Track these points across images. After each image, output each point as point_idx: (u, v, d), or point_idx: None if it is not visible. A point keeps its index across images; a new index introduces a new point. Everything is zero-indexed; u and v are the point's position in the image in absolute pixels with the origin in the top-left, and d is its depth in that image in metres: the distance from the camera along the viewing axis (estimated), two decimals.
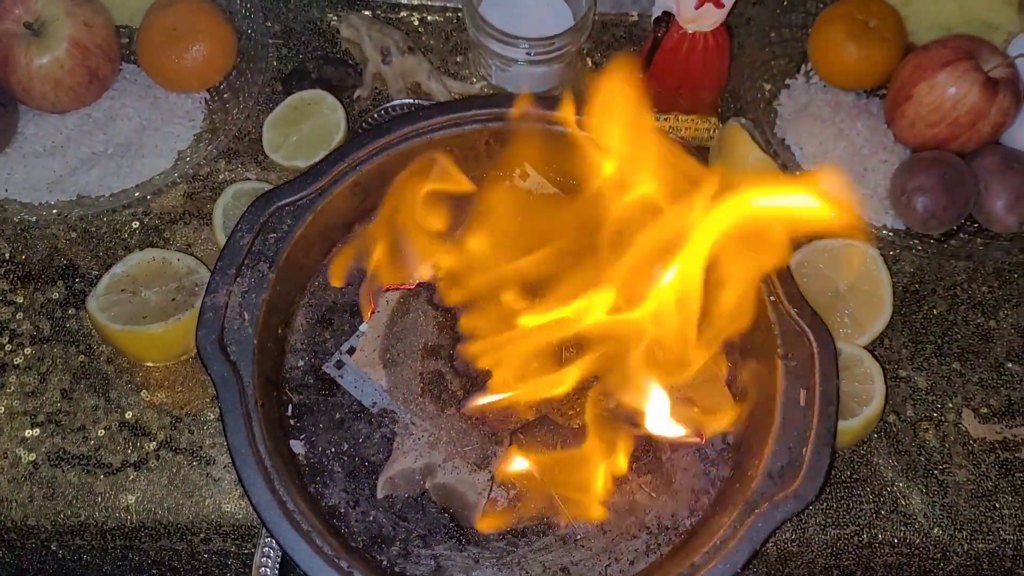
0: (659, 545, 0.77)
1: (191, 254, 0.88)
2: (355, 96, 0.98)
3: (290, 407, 0.80)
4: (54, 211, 0.89)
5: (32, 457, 0.81)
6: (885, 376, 0.83)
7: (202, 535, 0.80)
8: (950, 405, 0.88)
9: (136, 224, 0.91)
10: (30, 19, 0.88)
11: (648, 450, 0.80)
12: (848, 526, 0.83)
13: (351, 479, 0.78)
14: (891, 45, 0.95)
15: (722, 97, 0.99)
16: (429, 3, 1.04)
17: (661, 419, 0.75)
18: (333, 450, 0.79)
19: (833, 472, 0.84)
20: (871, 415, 0.81)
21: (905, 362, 0.90)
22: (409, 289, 0.84)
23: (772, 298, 0.79)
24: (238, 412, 0.73)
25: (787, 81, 1.00)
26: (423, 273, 0.84)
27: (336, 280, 0.84)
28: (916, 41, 0.99)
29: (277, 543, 0.71)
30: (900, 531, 0.83)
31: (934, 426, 0.87)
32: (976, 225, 0.94)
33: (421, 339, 0.82)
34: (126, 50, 0.97)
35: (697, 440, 0.79)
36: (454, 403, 0.79)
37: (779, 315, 0.79)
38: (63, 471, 0.81)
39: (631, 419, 0.77)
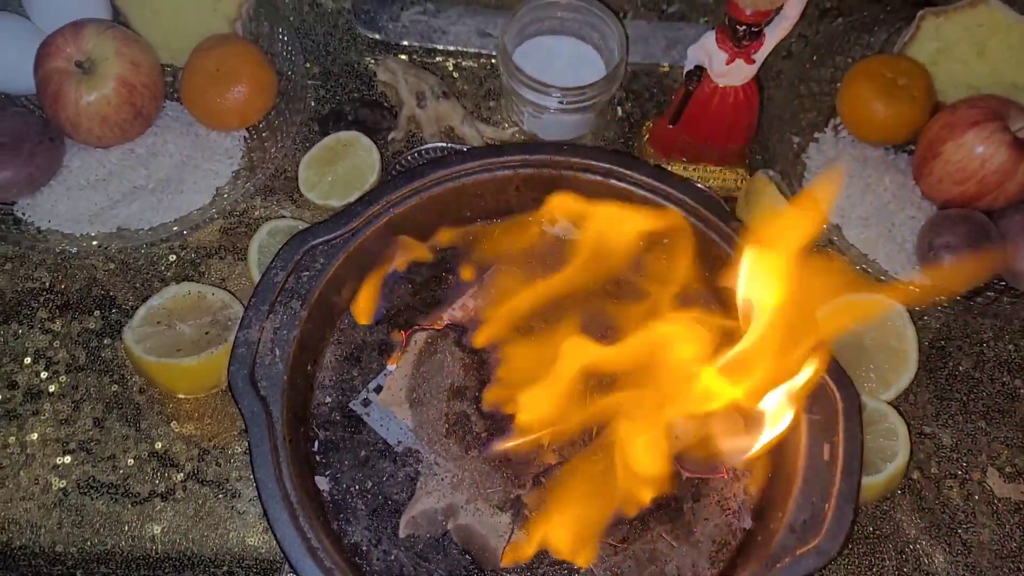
0: None
1: (225, 288, 0.89)
2: (390, 138, 1.00)
3: (316, 443, 0.81)
4: (94, 243, 0.91)
5: (63, 484, 0.83)
6: (910, 432, 0.83)
7: (225, 568, 0.81)
8: (975, 463, 0.88)
9: (173, 258, 0.93)
10: (81, 58, 0.91)
11: (669, 498, 0.80)
12: None
13: (374, 517, 0.79)
14: (919, 103, 0.96)
15: (751, 149, 1.00)
16: (464, 49, 1.06)
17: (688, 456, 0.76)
18: (357, 487, 0.80)
19: (855, 529, 0.84)
20: (895, 471, 0.81)
21: (930, 418, 0.90)
22: (437, 330, 0.85)
23: None
24: (266, 447, 0.74)
25: (815, 135, 1.01)
26: (452, 315, 0.86)
27: (362, 318, 0.85)
28: (944, 100, 0.99)
29: None
30: None
31: (959, 484, 0.87)
32: (1003, 283, 0.94)
33: (447, 380, 0.82)
34: (169, 88, 1.00)
35: (722, 475, 0.79)
36: (478, 445, 0.80)
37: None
38: (92, 499, 0.82)
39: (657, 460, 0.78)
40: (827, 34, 1.06)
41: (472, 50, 1.06)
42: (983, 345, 0.93)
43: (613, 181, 0.87)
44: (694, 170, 0.97)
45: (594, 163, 0.88)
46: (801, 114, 1.02)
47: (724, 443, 0.78)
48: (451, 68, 1.06)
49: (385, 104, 1.02)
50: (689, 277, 0.84)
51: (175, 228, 0.92)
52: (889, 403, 0.86)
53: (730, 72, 0.87)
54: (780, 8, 0.82)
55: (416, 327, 0.85)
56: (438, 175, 0.87)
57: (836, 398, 0.77)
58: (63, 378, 0.87)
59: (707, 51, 0.86)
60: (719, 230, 0.84)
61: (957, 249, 0.90)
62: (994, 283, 0.94)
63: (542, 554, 0.77)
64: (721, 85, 0.89)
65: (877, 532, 0.84)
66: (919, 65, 0.98)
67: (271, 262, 0.80)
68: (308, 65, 1.04)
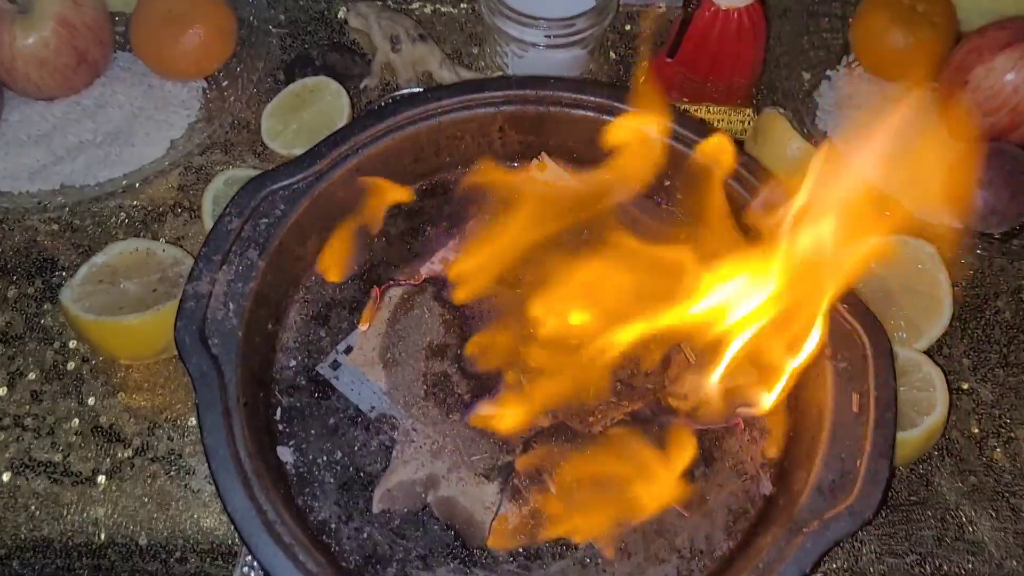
0: (692, 571, 0.68)
1: (180, 247, 0.81)
2: (363, 86, 0.92)
3: (279, 411, 0.72)
4: (35, 200, 0.83)
5: None
6: (948, 381, 0.74)
7: (177, 554, 0.72)
8: (1020, 419, 0.79)
9: (123, 216, 0.85)
10: None
11: None
12: (908, 555, 0.73)
13: (344, 491, 0.70)
14: (941, 31, 0.88)
15: (757, 87, 0.91)
16: None
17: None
18: (325, 459, 0.71)
19: (890, 493, 0.75)
20: (934, 425, 0.72)
21: (967, 373, 0.81)
22: (414, 284, 0.76)
23: None
24: (217, 410, 0.65)
25: (828, 72, 0.93)
26: (431, 268, 0.77)
27: (331, 274, 0.76)
28: (967, 30, 0.91)
29: (255, 558, 0.63)
30: (967, 561, 0.73)
31: (1003, 444, 0.78)
32: None
33: (425, 338, 0.74)
34: (121, 38, 0.92)
35: (737, 423, 0.71)
36: (460, 408, 0.71)
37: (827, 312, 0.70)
38: (27, 480, 0.73)
39: (664, 415, 0.71)
40: None
41: None
42: (1022, 291, 0.84)
43: (607, 117, 0.79)
44: (696, 111, 0.89)
45: (585, 97, 0.79)
46: (811, 51, 0.94)
47: (737, 394, 0.69)
48: (429, 14, 0.98)
49: (357, 50, 0.94)
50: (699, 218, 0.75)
51: (124, 183, 0.84)
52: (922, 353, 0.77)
53: None
54: None
55: (391, 282, 0.77)
56: (412, 113, 0.79)
57: (864, 343, 0.69)
58: None
59: None
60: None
61: (991, 185, 0.81)
62: None
63: (535, 529, 0.68)
64: (723, 7, 0.80)
65: (913, 498, 0.75)
66: None
67: (225, 208, 0.72)
68: (272, 11, 0.96)
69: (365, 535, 0.68)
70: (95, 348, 0.77)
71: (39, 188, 0.84)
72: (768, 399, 0.67)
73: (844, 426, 0.67)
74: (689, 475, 0.71)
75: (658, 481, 0.68)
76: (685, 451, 0.69)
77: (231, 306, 0.70)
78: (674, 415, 0.72)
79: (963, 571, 0.73)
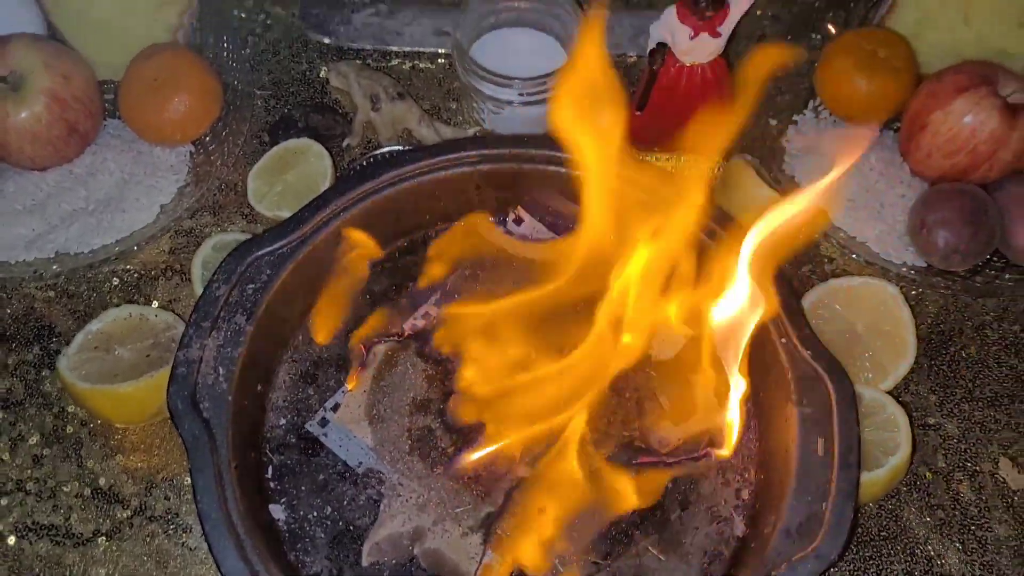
0: None
1: (172, 311, 0.84)
2: (344, 144, 0.94)
3: (270, 469, 0.75)
4: (31, 269, 0.86)
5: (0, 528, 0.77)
6: (912, 422, 0.77)
7: None
8: (985, 454, 0.81)
9: (116, 281, 0.88)
10: (5, 72, 0.86)
11: (655, 507, 0.74)
12: None
13: (335, 546, 0.72)
14: (902, 75, 0.90)
15: None
16: (421, 50, 1.01)
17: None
18: (316, 514, 0.74)
19: (859, 529, 0.78)
20: (898, 464, 0.75)
21: (933, 408, 0.83)
22: (398, 340, 0.79)
23: (784, 340, 0.74)
24: (210, 473, 0.68)
25: (794, 116, 0.96)
26: (413, 324, 0.80)
27: (319, 335, 0.79)
28: (928, 72, 0.94)
29: None
30: None
31: (969, 477, 0.80)
32: (1003, 260, 0.88)
33: (410, 393, 0.77)
34: (110, 106, 0.95)
35: (707, 456, 0.74)
36: (444, 461, 0.74)
37: (792, 359, 0.73)
38: (31, 543, 0.76)
39: (635, 456, 0.74)
40: (802, 11, 1.01)
41: (429, 50, 1.01)
42: (986, 327, 0.87)
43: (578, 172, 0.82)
44: (667, 159, 0.92)
45: (557, 154, 0.82)
46: (778, 96, 0.97)
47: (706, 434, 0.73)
48: (408, 70, 1.01)
49: (339, 110, 0.97)
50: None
51: (117, 249, 0.87)
52: (887, 393, 0.80)
53: (695, 48, 0.81)
54: None
55: (376, 339, 0.79)
56: (391, 176, 0.81)
57: (828, 388, 0.71)
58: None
59: (670, 27, 0.81)
60: None
61: (952, 225, 0.84)
62: (993, 260, 0.88)
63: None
64: (687, 63, 0.83)
65: (883, 533, 0.78)
66: (899, 35, 0.93)
67: (212, 275, 0.75)
68: (256, 75, 0.99)
69: None
70: (92, 414, 0.80)
71: (35, 257, 0.86)
72: (731, 437, 0.70)
73: (810, 470, 0.69)
74: (665, 518, 0.74)
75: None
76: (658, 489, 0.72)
77: (221, 371, 0.72)
78: (648, 457, 0.74)
79: None
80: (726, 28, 0.80)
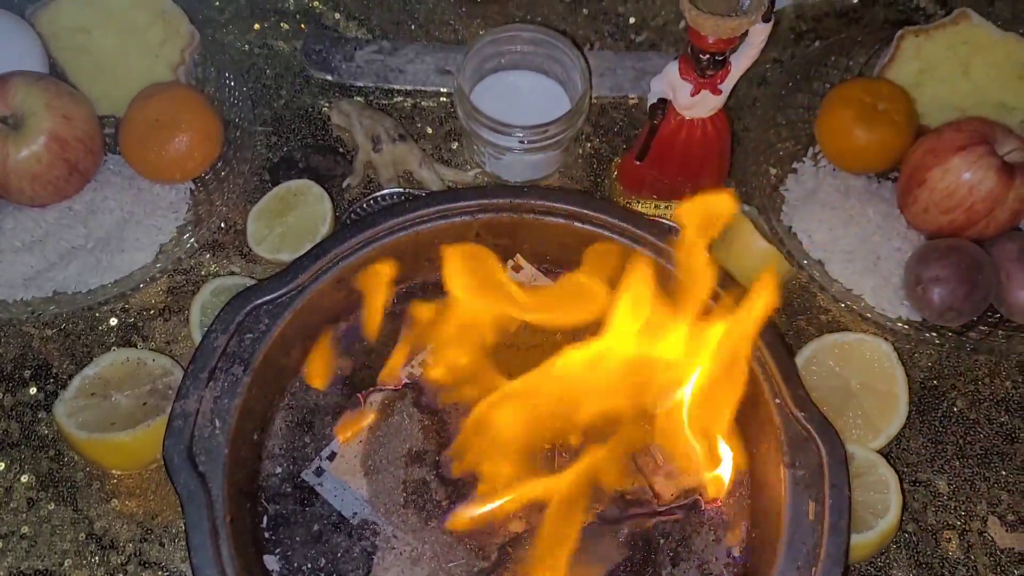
0: None
1: (169, 354, 0.84)
2: (345, 185, 0.95)
3: (265, 518, 0.76)
4: (28, 309, 0.86)
5: None
6: (902, 484, 0.77)
7: None
8: (974, 512, 0.82)
9: (114, 321, 0.88)
10: (7, 113, 0.86)
11: (647, 563, 0.74)
12: None
13: None
14: (901, 128, 0.91)
15: (725, 183, 0.95)
16: (423, 88, 1.01)
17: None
18: (310, 566, 0.74)
19: None
20: (887, 528, 0.75)
21: (924, 465, 0.84)
22: (395, 390, 0.80)
23: (777, 401, 0.74)
24: (204, 528, 0.68)
25: (794, 165, 0.96)
26: (409, 372, 0.81)
27: (316, 382, 0.80)
28: (928, 123, 0.94)
29: None
30: None
31: (957, 535, 0.81)
32: (997, 316, 0.89)
33: (405, 444, 0.77)
34: (111, 140, 0.95)
35: (697, 505, 0.75)
36: (439, 514, 0.74)
37: (784, 419, 0.74)
38: None
39: (627, 508, 0.75)
40: (803, 58, 1.01)
41: (431, 89, 1.01)
42: (978, 383, 0.88)
43: (577, 224, 0.82)
44: (666, 208, 0.92)
45: (556, 205, 0.83)
46: (778, 144, 0.97)
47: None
48: (410, 108, 1.01)
49: (340, 149, 0.97)
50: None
51: (115, 290, 0.87)
52: (879, 451, 0.81)
53: (696, 104, 0.82)
54: (745, 34, 0.77)
55: (372, 388, 0.80)
56: (390, 224, 0.82)
57: (820, 451, 0.72)
58: None
59: (671, 82, 0.81)
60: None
61: (947, 283, 0.84)
62: (988, 316, 0.89)
63: None
64: (688, 117, 0.84)
65: None
66: (899, 88, 0.93)
67: (210, 325, 0.75)
68: (258, 111, 0.99)
69: None
70: (88, 462, 0.80)
71: (33, 295, 0.86)
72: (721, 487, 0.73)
73: (800, 532, 0.70)
74: (657, 574, 0.74)
75: None
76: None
77: (217, 423, 0.73)
78: (639, 509, 0.75)
79: None
80: (727, 85, 0.80)
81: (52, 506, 0.80)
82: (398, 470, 0.76)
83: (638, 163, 0.89)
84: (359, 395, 0.79)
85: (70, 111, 0.87)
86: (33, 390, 0.85)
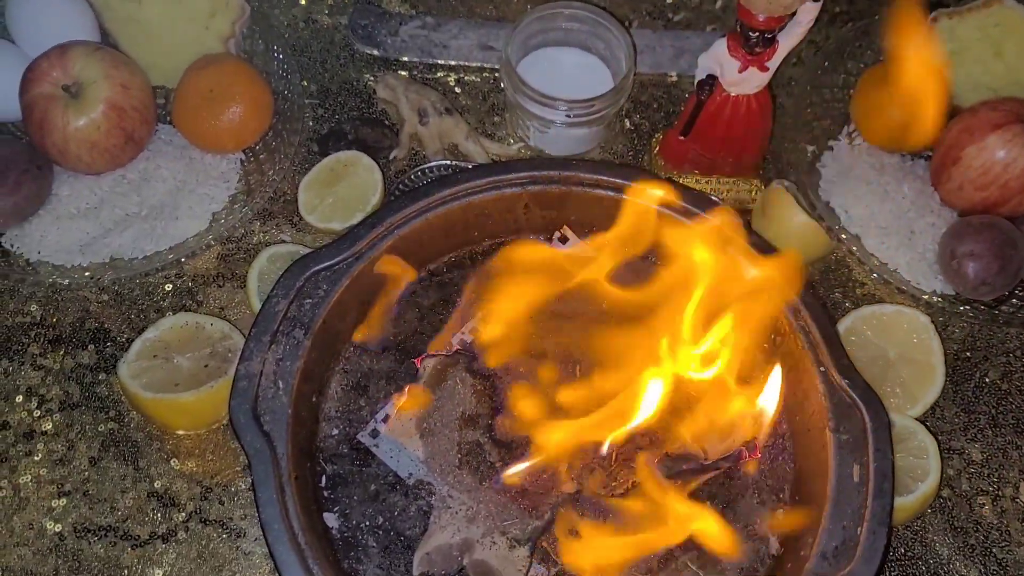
0: None
1: (224, 318, 0.86)
2: (391, 157, 0.96)
3: (324, 478, 0.78)
4: (87, 274, 0.87)
5: (58, 528, 0.79)
6: (940, 449, 0.80)
7: None
8: (1007, 478, 0.85)
9: (169, 287, 0.90)
10: (68, 82, 0.87)
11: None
12: None
13: (386, 554, 0.75)
14: (936, 106, 0.93)
15: (764, 159, 0.97)
16: (466, 63, 1.03)
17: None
18: (368, 523, 0.76)
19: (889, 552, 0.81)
20: (927, 491, 0.78)
21: (958, 433, 0.87)
22: (447, 356, 0.82)
23: (822, 369, 0.77)
24: (271, 486, 0.70)
25: (830, 143, 0.98)
26: (462, 339, 0.83)
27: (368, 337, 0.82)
28: (960, 103, 0.96)
29: None
30: None
31: (991, 500, 0.84)
32: None
33: (459, 408, 0.79)
34: (162, 110, 0.97)
35: (743, 458, 0.76)
36: (493, 475, 0.76)
37: (829, 387, 0.76)
38: (89, 543, 0.78)
39: (677, 465, 0.76)
40: (838, 39, 1.03)
41: (474, 64, 1.03)
42: (1010, 355, 0.90)
43: (623, 196, 0.84)
44: (707, 182, 0.94)
45: (605, 178, 0.85)
46: (815, 122, 0.99)
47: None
48: (453, 83, 1.03)
49: (386, 122, 0.99)
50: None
51: (170, 256, 0.89)
52: (917, 419, 0.83)
53: (743, 81, 0.84)
54: (794, 13, 0.79)
55: (426, 354, 0.82)
56: (443, 194, 0.84)
57: (864, 417, 0.74)
58: (56, 416, 0.84)
59: (718, 59, 0.83)
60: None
61: (981, 257, 0.87)
62: (1019, 291, 0.91)
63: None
64: (733, 94, 0.86)
65: (908, 553, 0.81)
66: (934, 67, 0.95)
67: (272, 290, 0.77)
68: (305, 83, 1.01)
69: None
70: (151, 421, 0.82)
71: (90, 261, 0.88)
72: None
73: (846, 495, 0.72)
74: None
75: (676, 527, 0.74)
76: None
77: (280, 384, 0.75)
78: (688, 466, 0.77)
79: None
80: (774, 63, 0.82)
81: (114, 465, 0.82)
82: (452, 432, 0.78)
83: (682, 138, 0.91)
84: (415, 360, 0.81)
85: (128, 81, 0.88)
86: (92, 353, 0.86)
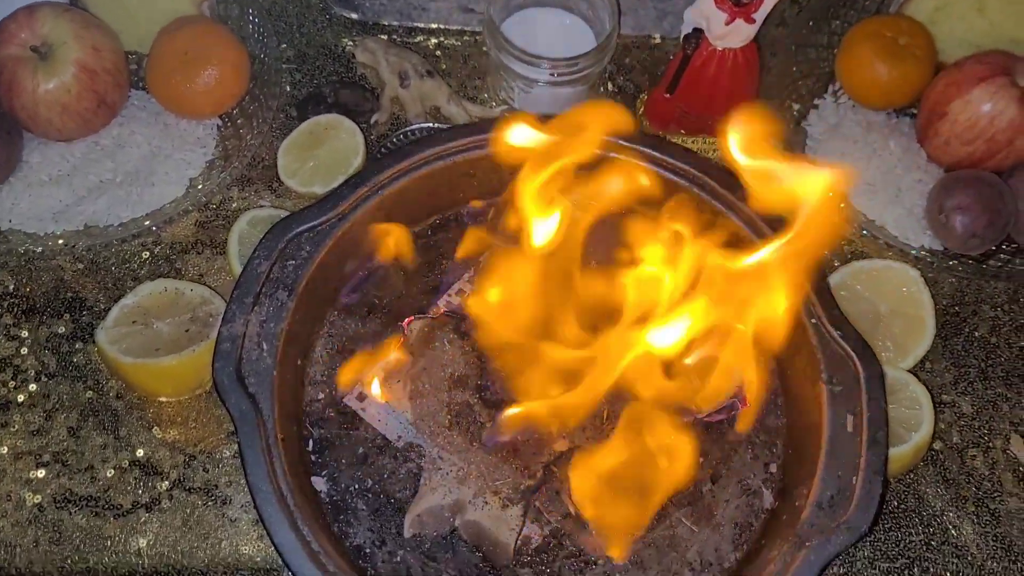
0: None
1: (204, 284, 0.84)
2: (373, 121, 0.95)
3: (310, 442, 0.76)
4: (60, 241, 0.85)
5: (37, 499, 0.77)
6: (932, 400, 0.80)
7: None
8: (997, 430, 0.84)
9: (146, 255, 0.88)
10: (36, 43, 0.85)
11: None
12: (898, 559, 0.79)
13: (376, 517, 0.74)
14: (922, 63, 0.92)
15: None
16: (446, 27, 1.01)
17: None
18: (357, 487, 0.75)
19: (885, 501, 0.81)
20: (921, 441, 0.78)
21: (948, 387, 0.86)
22: (434, 318, 0.80)
23: (814, 321, 0.76)
24: (258, 448, 0.69)
25: (815, 101, 0.98)
26: (449, 302, 0.81)
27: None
28: (944, 60, 0.96)
29: None
30: (952, 564, 0.79)
31: (982, 452, 0.84)
32: (1015, 245, 0.91)
33: (447, 369, 0.78)
34: (135, 76, 0.94)
35: (735, 409, 0.76)
36: (483, 435, 0.75)
37: (821, 339, 0.76)
38: (70, 513, 0.76)
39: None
40: None
41: (455, 27, 1.01)
42: (998, 309, 0.90)
43: (611, 154, 0.83)
44: (692, 143, 0.93)
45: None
46: (800, 81, 0.99)
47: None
48: (433, 47, 1.01)
49: (366, 86, 0.97)
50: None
51: (147, 223, 0.87)
52: (908, 371, 0.83)
53: (729, 33, 0.83)
54: None
55: (412, 316, 0.80)
56: (428, 154, 0.82)
57: (857, 367, 0.74)
58: (32, 387, 0.81)
59: (705, 12, 0.82)
60: (726, 200, 0.80)
61: (970, 210, 0.86)
62: (1006, 245, 0.91)
63: (556, 547, 0.73)
64: (720, 48, 0.85)
65: (902, 506, 0.81)
66: (919, 23, 0.94)
67: (254, 251, 0.75)
68: (283, 48, 0.99)
69: (399, 559, 0.73)
70: (133, 388, 0.80)
71: (64, 229, 0.86)
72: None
73: (840, 445, 0.72)
74: (697, 491, 0.76)
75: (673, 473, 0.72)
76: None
77: (265, 346, 0.73)
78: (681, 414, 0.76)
79: (949, 573, 0.79)
80: (761, 14, 0.82)
81: (94, 435, 0.80)
82: (441, 394, 0.77)
83: (668, 96, 0.90)
84: (403, 323, 0.80)
85: (99, 42, 0.86)
86: (68, 323, 0.84)
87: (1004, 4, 0.96)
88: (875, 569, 0.79)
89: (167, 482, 0.78)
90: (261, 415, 0.70)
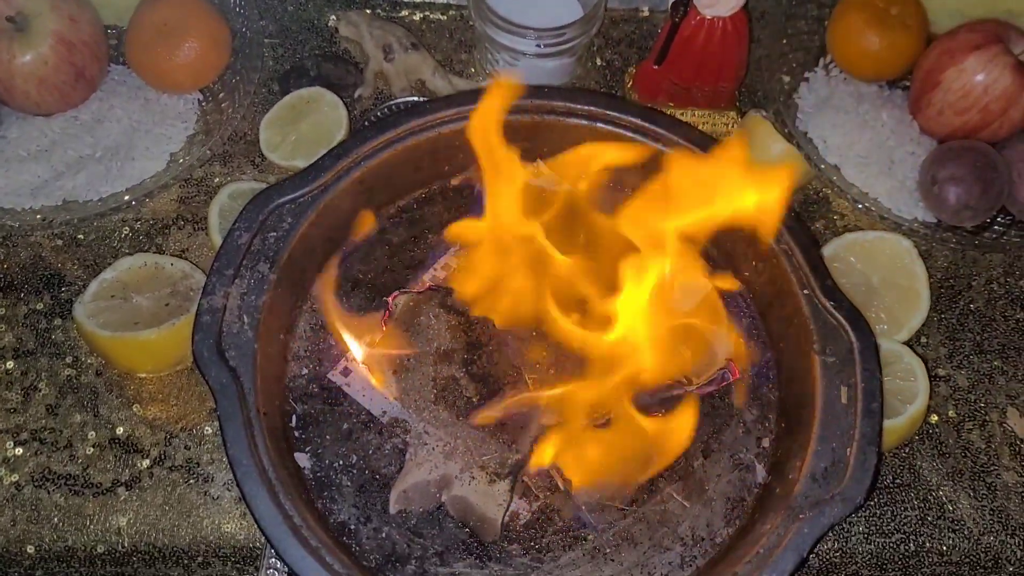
0: (695, 557, 0.72)
1: (187, 260, 0.82)
2: (356, 95, 0.93)
3: (294, 418, 0.75)
4: (38, 217, 0.84)
5: (15, 478, 0.75)
6: (928, 371, 0.78)
7: (200, 559, 0.74)
8: (993, 404, 0.83)
9: (126, 230, 0.86)
10: (11, 13, 0.83)
11: (679, 457, 0.74)
12: (893, 534, 0.78)
13: (361, 494, 0.72)
14: (914, 33, 0.91)
15: (740, 91, 0.95)
16: (432, 0, 1.00)
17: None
18: (341, 463, 0.73)
19: (879, 473, 0.79)
20: (916, 412, 0.76)
21: (944, 360, 0.85)
22: (419, 293, 0.79)
23: (806, 291, 0.75)
24: (238, 421, 0.67)
25: (806, 74, 0.96)
26: (434, 276, 0.80)
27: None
28: (936, 31, 0.95)
29: (283, 562, 0.65)
30: (948, 538, 0.78)
31: (978, 426, 0.82)
32: (1010, 217, 0.90)
33: (433, 344, 0.76)
34: (114, 51, 0.93)
35: (725, 380, 0.74)
36: (470, 410, 0.74)
37: (814, 309, 0.74)
38: (48, 492, 0.75)
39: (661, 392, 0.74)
40: None
41: (440, 1, 1.00)
42: (993, 282, 0.89)
43: (599, 124, 0.82)
44: (682, 115, 0.92)
45: (577, 106, 0.82)
46: (790, 54, 0.97)
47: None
48: (419, 21, 1.00)
49: (349, 60, 0.95)
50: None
51: (127, 198, 0.85)
52: (903, 344, 0.81)
53: (719, 1, 0.81)
54: None
55: (397, 291, 0.79)
56: (411, 125, 0.81)
57: (850, 338, 0.73)
58: (10, 364, 0.80)
59: None
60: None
61: (963, 181, 0.85)
62: (1000, 217, 0.90)
63: (545, 522, 0.71)
64: (708, 16, 0.83)
65: (897, 481, 0.80)
66: None
67: (234, 222, 0.74)
68: (264, 22, 0.97)
69: (384, 535, 0.71)
70: (112, 363, 0.78)
71: (42, 204, 0.84)
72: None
73: (834, 417, 0.70)
74: (689, 466, 0.75)
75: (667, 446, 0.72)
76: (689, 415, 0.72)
77: (245, 319, 0.72)
78: (671, 392, 0.75)
79: (945, 547, 0.78)
80: None
81: (73, 412, 0.78)
82: (427, 368, 0.75)
83: (656, 68, 0.89)
84: (388, 299, 0.78)
85: (76, 13, 0.84)
86: (46, 299, 0.83)
87: None
88: (870, 544, 0.77)
89: (148, 460, 0.76)
90: (242, 388, 0.68)
